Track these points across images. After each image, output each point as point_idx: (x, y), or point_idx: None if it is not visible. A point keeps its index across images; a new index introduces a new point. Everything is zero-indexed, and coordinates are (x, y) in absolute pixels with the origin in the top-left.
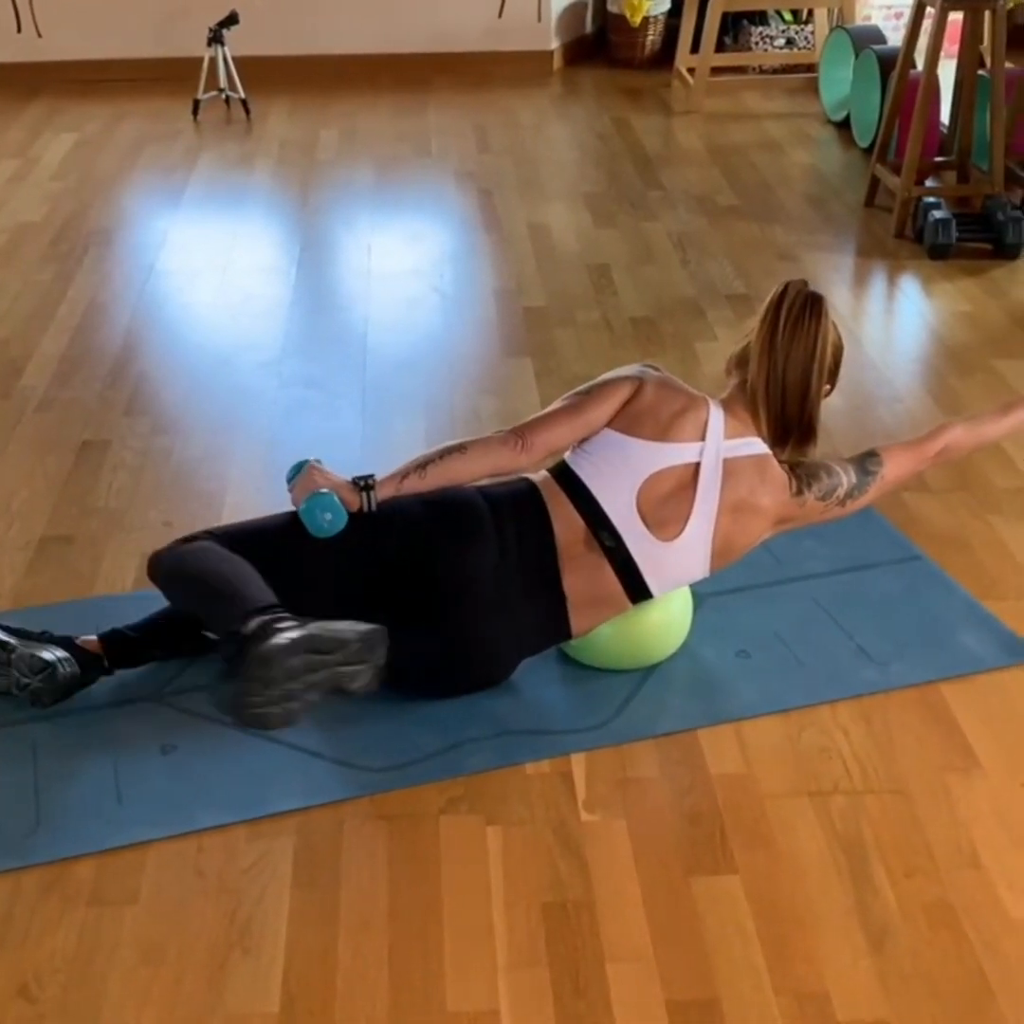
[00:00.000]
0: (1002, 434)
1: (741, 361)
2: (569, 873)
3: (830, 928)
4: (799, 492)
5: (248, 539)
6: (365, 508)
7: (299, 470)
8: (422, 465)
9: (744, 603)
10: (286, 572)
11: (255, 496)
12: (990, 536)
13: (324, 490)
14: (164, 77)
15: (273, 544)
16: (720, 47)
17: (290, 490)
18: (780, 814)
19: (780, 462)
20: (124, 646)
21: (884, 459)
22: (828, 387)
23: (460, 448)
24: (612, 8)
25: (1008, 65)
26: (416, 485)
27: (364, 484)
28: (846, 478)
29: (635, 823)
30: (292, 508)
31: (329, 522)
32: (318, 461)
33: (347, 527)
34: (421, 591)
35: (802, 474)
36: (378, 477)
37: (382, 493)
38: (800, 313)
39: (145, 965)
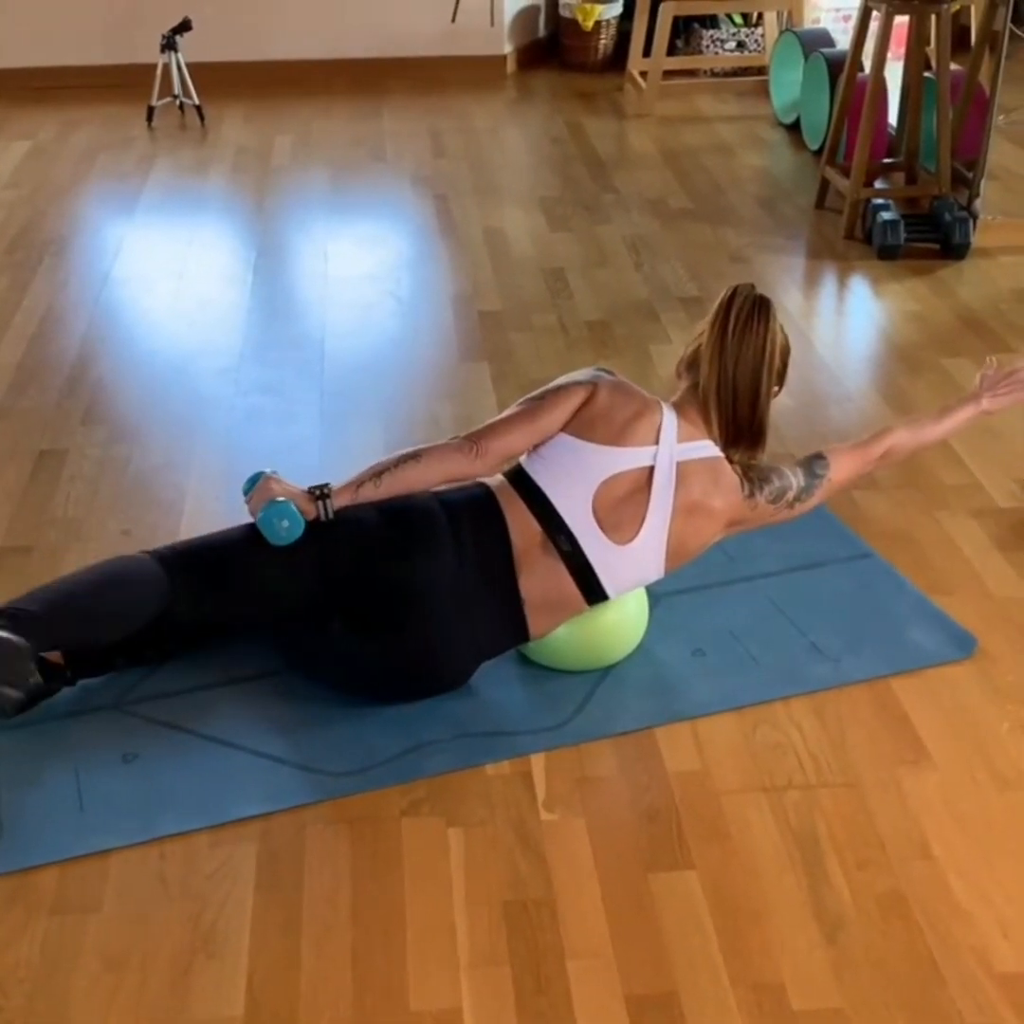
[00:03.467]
0: (941, 436)
1: (691, 364)
2: (529, 872)
3: (785, 920)
4: (751, 494)
5: (202, 553)
6: (322, 517)
7: (255, 483)
8: (378, 473)
9: (699, 602)
10: (241, 583)
11: (214, 503)
12: (938, 532)
13: (280, 498)
14: (117, 84)
15: (227, 556)
16: (672, 51)
17: (247, 502)
18: (736, 809)
19: (732, 465)
20: (85, 655)
21: (830, 462)
22: (776, 388)
23: (415, 456)
24: (564, 12)
25: (953, 67)
26: (372, 494)
27: (320, 493)
28: (795, 481)
29: (594, 821)
30: (248, 520)
31: (286, 529)
32: (274, 472)
33: (303, 536)
34: (379, 597)
35: (754, 477)
36: (334, 486)
37: (338, 502)
38: (749, 317)
39: (109, 972)
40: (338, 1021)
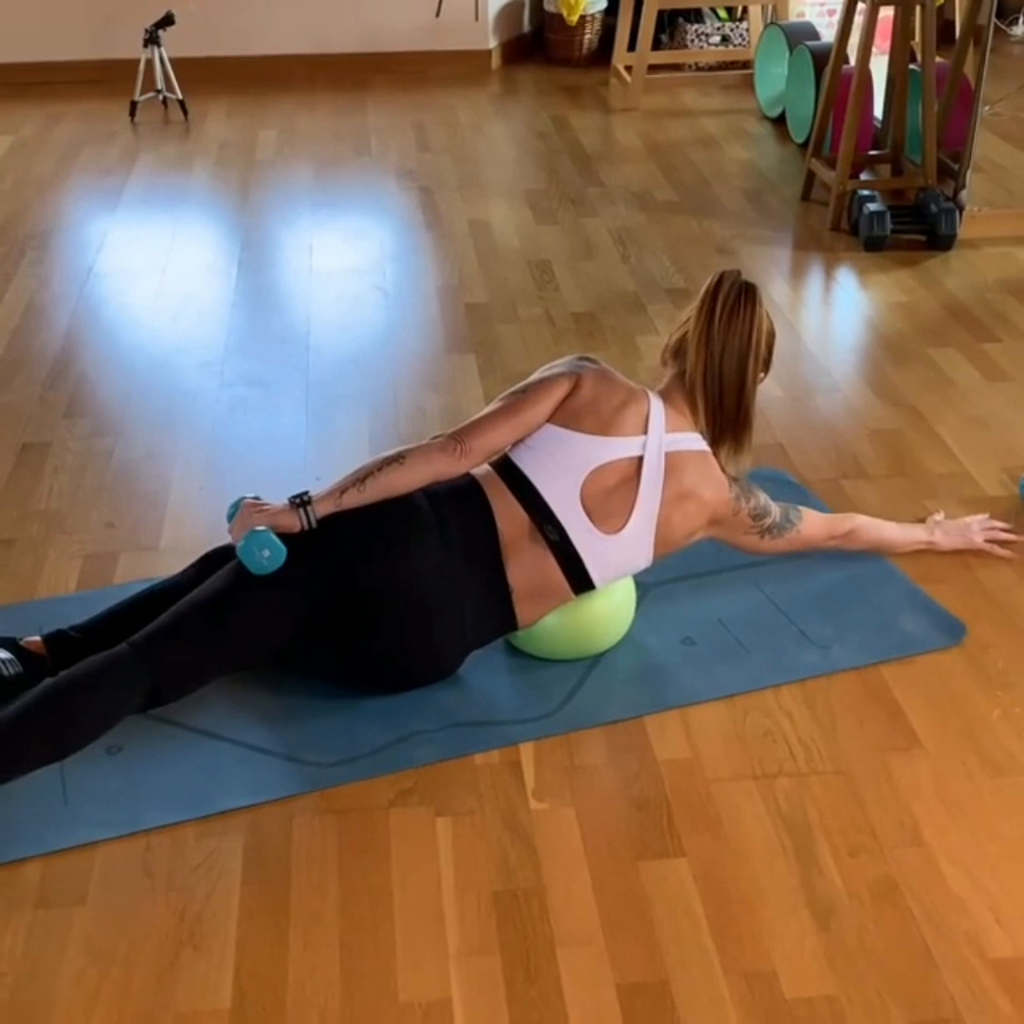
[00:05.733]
0: (894, 543)
1: (677, 352)
2: (519, 861)
3: (777, 908)
4: (737, 498)
5: (181, 622)
6: (305, 526)
7: (237, 509)
8: (361, 478)
9: (688, 591)
10: (234, 641)
11: (197, 495)
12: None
13: (260, 527)
14: (100, 79)
15: (206, 613)
16: (656, 45)
17: (230, 531)
18: (726, 797)
19: (722, 470)
20: (68, 647)
21: (804, 515)
22: (762, 374)
23: (399, 458)
24: (549, 7)
25: (938, 59)
26: (356, 499)
27: (300, 501)
28: (775, 512)
29: (584, 810)
30: (225, 565)
31: (268, 559)
32: (256, 498)
33: (289, 557)
34: (367, 592)
35: (742, 485)
36: (315, 493)
37: (321, 510)
38: (735, 303)
39: (94, 966)
40: (327, 1013)
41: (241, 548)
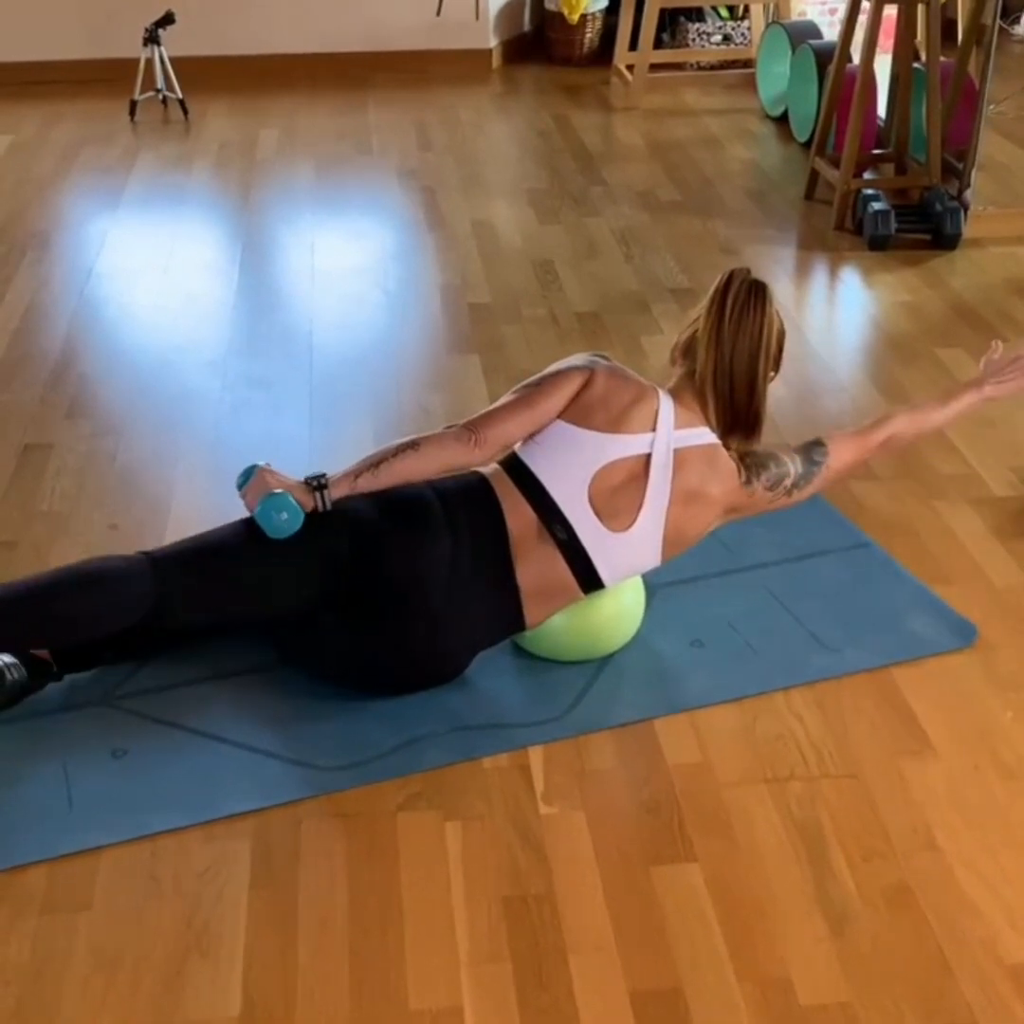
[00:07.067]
0: (942, 423)
1: (687, 350)
2: (529, 866)
3: (790, 914)
4: (748, 481)
5: (199, 554)
6: (319, 508)
7: (249, 476)
8: (375, 463)
9: (696, 593)
10: (241, 584)
11: (201, 497)
12: (936, 522)
13: (278, 491)
14: (100, 78)
15: (226, 557)
16: (658, 44)
17: (242, 496)
18: (737, 802)
19: (729, 452)
20: (72, 651)
21: (830, 449)
22: (773, 373)
23: (413, 445)
24: (550, 6)
25: (942, 58)
26: (370, 483)
27: (317, 484)
28: (793, 467)
29: (594, 815)
30: (238, 517)
31: (285, 521)
32: (268, 464)
33: (301, 530)
34: (375, 588)
35: (751, 463)
36: (331, 476)
37: (336, 493)
38: (746, 301)
39: (100, 973)
40: (336, 1020)
41: (258, 510)
